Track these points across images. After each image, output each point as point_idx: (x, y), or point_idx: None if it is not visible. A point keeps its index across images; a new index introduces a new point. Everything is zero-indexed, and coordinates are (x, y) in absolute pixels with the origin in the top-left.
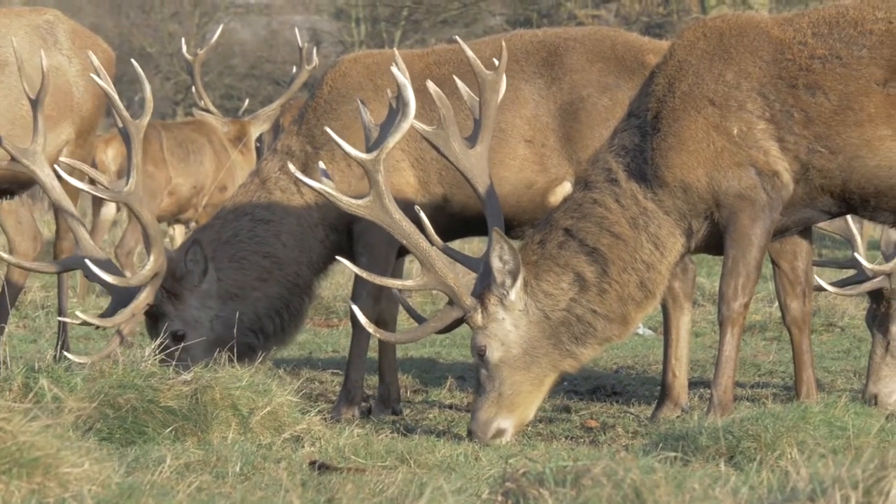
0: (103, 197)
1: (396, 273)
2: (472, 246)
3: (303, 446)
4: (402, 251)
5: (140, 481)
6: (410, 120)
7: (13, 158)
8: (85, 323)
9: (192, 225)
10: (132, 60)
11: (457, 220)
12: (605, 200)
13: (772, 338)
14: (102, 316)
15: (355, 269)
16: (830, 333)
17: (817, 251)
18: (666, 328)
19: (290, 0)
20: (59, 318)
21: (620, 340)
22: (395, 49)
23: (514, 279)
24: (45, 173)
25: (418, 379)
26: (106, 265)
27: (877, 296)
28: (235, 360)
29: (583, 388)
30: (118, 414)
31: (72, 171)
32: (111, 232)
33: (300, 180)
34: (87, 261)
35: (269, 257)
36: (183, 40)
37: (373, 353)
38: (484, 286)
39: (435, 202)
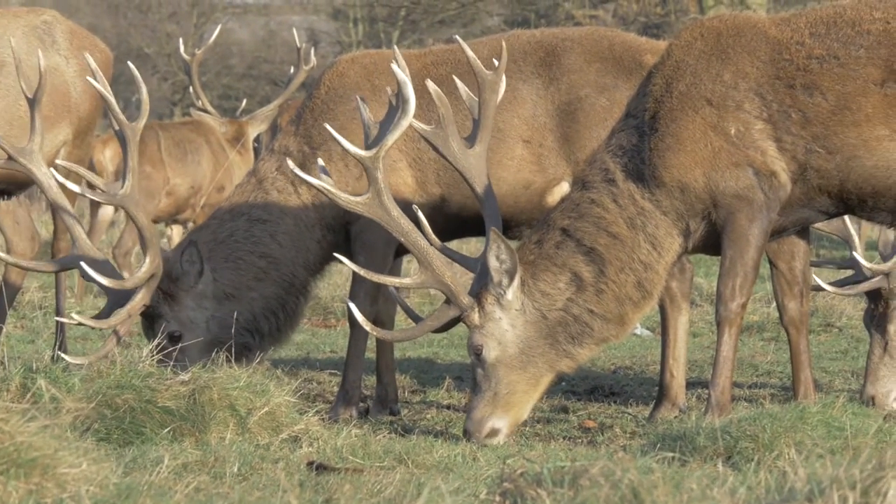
0: (99, 200)
1: (394, 273)
2: (469, 246)
3: (301, 447)
4: (400, 251)
5: (138, 482)
6: (410, 117)
7: (10, 157)
8: (82, 324)
9: (190, 225)
10: (129, 63)
11: (454, 220)
12: (602, 200)
13: (769, 338)
14: (99, 316)
15: (353, 267)
16: (828, 334)
17: (815, 251)
18: (664, 328)
19: (287, 0)
20: (57, 319)
21: (618, 341)
22: (395, 46)
23: (511, 278)
24: (42, 172)
25: (416, 379)
26: (103, 265)
27: (875, 296)
28: (232, 360)
29: (581, 388)
30: (116, 414)
31: (68, 174)
32: (109, 232)
33: (299, 177)
34: (82, 263)
35: (265, 257)
36: (181, 40)
37: (370, 354)
38: (481, 285)
39: (432, 202)
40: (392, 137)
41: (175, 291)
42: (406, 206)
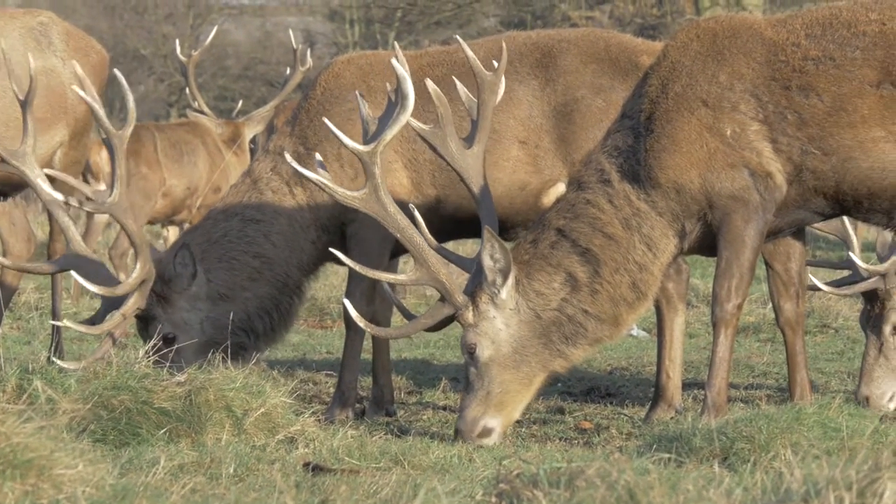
0: (88, 210)
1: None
2: (465, 247)
3: (297, 448)
4: (395, 252)
5: (134, 483)
6: (409, 112)
7: (3, 160)
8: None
9: (186, 226)
10: (115, 71)
11: (449, 221)
12: (597, 201)
13: (766, 339)
14: (93, 320)
15: (348, 262)
16: (824, 335)
17: (812, 252)
18: (660, 329)
19: (284, 1)
20: (52, 322)
21: (611, 341)
22: (395, 42)
23: (505, 277)
24: (35, 175)
25: (412, 380)
26: (98, 267)
27: (871, 297)
28: (228, 360)
29: (577, 389)
30: (112, 415)
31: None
32: (105, 233)
33: (295, 176)
34: (73, 272)
35: (259, 257)
36: (177, 42)
37: (367, 355)
38: (475, 284)
39: (428, 203)
40: (391, 132)
41: (168, 294)
42: (402, 207)
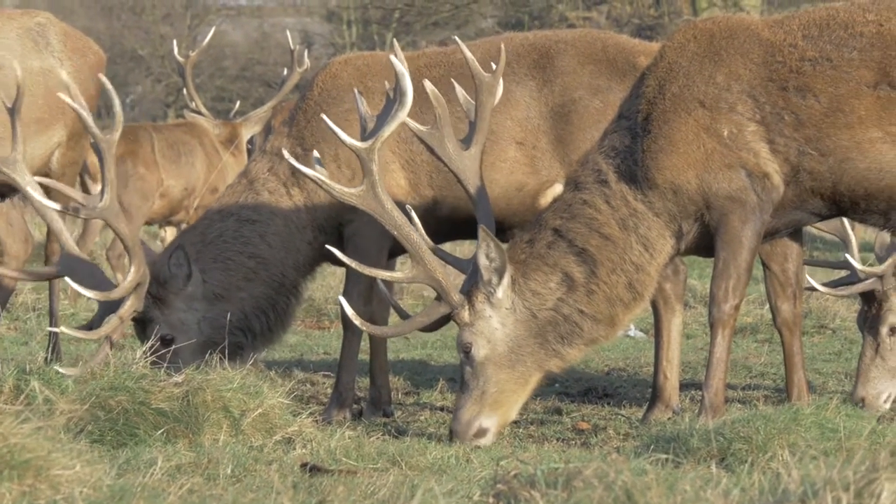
0: (79, 216)
1: None
2: (463, 248)
3: (294, 448)
4: (392, 253)
5: (131, 483)
6: (407, 109)
7: None
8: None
9: (184, 227)
10: (101, 76)
11: (446, 222)
12: (594, 201)
13: (763, 340)
14: (91, 323)
15: (344, 259)
16: (822, 335)
17: (809, 253)
18: (657, 330)
19: (281, 2)
20: (49, 329)
21: (607, 342)
22: (394, 40)
23: (501, 277)
24: (26, 181)
25: (409, 381)
26: (93, 271)
27: (868, 298)
28: (226, 360)
29: (574, 389)
30: (109, 416)
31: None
32: (102, 234)
33: (292, 175)
34: (68, 278)
35: (255, 258)
36: (174, 42)
37: (364, 356)
38: (472, 284)
39: (425, 204)
40: (388, 129)
41: (164, 295)
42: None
